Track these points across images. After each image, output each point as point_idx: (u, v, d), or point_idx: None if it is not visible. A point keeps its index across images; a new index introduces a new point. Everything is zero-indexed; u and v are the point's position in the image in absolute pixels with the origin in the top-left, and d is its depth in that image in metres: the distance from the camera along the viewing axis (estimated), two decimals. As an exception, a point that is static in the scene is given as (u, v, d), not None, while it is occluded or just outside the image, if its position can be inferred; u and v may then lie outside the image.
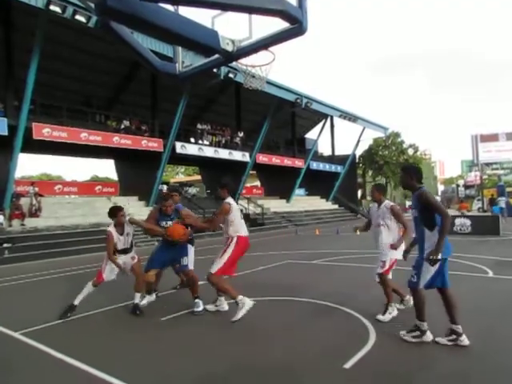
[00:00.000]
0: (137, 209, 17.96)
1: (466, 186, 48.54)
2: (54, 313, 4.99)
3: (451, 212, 27.91)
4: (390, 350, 3.57)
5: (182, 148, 19.39)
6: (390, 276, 4.63)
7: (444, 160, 77.07)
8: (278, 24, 4.13)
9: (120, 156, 20.27)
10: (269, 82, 21.12)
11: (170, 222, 5.04)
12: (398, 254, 4.42)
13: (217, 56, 4.19)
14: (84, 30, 13.84)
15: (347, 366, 3.24)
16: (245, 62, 4.64)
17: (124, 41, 3.87)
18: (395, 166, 39.25)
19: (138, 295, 5.04)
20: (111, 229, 5.08)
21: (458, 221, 14.32)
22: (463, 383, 2.94)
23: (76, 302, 4.91)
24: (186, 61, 4.54)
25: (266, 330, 4.29)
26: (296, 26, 3.61)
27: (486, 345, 3.57)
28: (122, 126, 17.89)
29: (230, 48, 3.94)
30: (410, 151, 40.36)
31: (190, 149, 20.11)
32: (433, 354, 3.42)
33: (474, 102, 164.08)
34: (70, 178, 59.55)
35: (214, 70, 16.82)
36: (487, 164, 33.66)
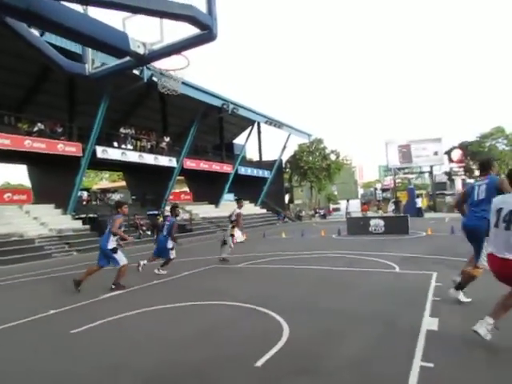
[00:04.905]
0: (53, 217, 16.69)
1: (383, 190, 52.73)
2: None
3: (370, 214, 30.13)
4: (302, 347, 3.72)
5: (103, 153, 18.46)
6: None
7: (363, 165, 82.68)
8: (192, 30, 4.18)
9: (33, 161, 18.67)
10: (195, 87, 21.08)
11: None
12: None
13: (129, 58, 4.09)
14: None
15: (259, 364, 3.33)
16: (159, 66, 4.59)
17: (22, 38, 3.61)
18: (319, 171, 41.28)
19: None
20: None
21: (372, 222, 15.48)
22: (360, 370, 3.18)
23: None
24: (96, 62, 4.36)
25: (182, 335, 4.24)
26: (206, 33, 3.67)
27: (388, 329, 3.92)
28: (36, 129, 16.53)
29: (141, 51, 3.88)
30: (333, 157, 42.70)
31: (113, 153, 19.23)
32: (341, 348, 3.66)
33: (392, 107, 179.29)
34: (-26, 185, 53.19)
35: (137, 73, 16.34)
36: (399, 169, 36.85)
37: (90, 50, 4.27)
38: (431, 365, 3.11)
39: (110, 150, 19.03)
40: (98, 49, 4.08)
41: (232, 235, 9.58)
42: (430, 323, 4.11)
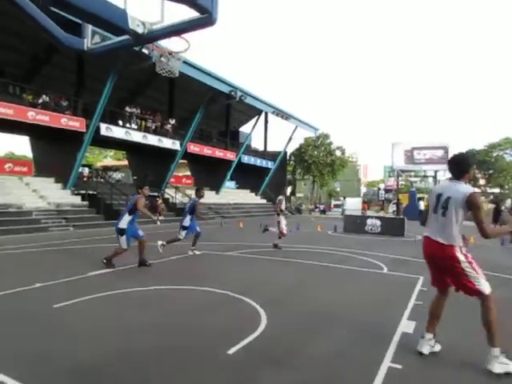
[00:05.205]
0: (53, 191, 16.77)
1: (386, 190, 52.54)
2: None
3: (369, 213, 30.08)
4: (277, 338, 3.73)
5: (107, 130, 18.43)
6: None
7: (368, 163, 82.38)
8: (192, 13, 4.13)
9: (36, 133, 18.67)
10: (204, 71, 20.93)
11: None
12: None
13: (127, 36, 4.05)
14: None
15: (231, 352, 3.36)
16: (159, 48, 4.54)
17: (19, 8, 3.57)
18: (323, 166, 41.16)
19: None
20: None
21: (369, 221, 15.46)
22: (330, 366, 3.21)
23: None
24: (96, 37, 4.32)
25: (156, 320, 4.26)
26: (206, 16, 3.62)
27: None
28: (40, 101, 16.49)
29: (140, 30, 3.84)
30: (338, 153, 42.52)
31: (117, 132, 19.20)
32: (314, 343, 3.68)
33: (403, 109, 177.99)
34: (-21, 152, 53.38)
35: (146, 52, 16.21)
36: (403, 171, 36.68)
37: (89, 26, 4.24)
38: (399, 366, 3.14)
39: (114, 128, 19.00)
40: (94, 24, 4.04)
41: (278, 222, 10.07)
42: (406, 326, 4.13)
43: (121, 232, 6.86)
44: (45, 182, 17.44)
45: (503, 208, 24.13)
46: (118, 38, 4.20)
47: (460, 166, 3.15)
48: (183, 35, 4.14)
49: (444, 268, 3.15)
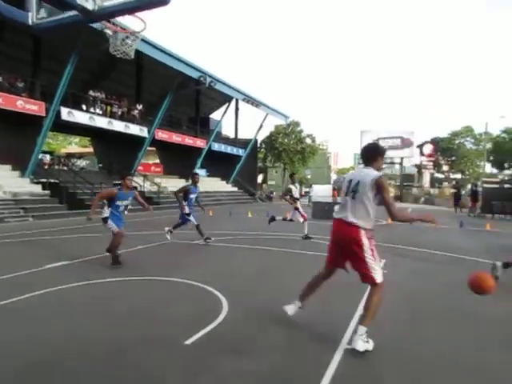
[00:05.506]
0: (9, 180, 15.90)
1: (356, 177, 53.70)
2: None
3: (340, 199, 30.49)
4: (237, 327, 3.65)
5: (69, 115, 17.63)
6: None
7: (339, 151, 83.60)
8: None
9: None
10: (172, 56, 20.34)
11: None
12: None
13: (76, 12, 3.77)
14: None
15: (188, 342, 3.26)
16: (112, 27, 4.27)
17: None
18: (293, 154, 41.38)
19: None
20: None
21: (336, 207, 15.65)
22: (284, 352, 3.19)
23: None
24: (42, 11, 4.00)
25: (118, 311, 4.11)
26: (160, -7, 3.41)
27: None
28: (-8, 82, 15.50)
29: (89, 6, 3.57)
30: (308, 141, 42.80)
31: (79, 117, 18.41)
32: (273, 332, 3.65)
33: (372, 97, 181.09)
34: None
35: (110, 33, 15.50)
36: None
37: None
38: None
39: (76, 112, 18.19)
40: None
41: (296, 209, 9.42)
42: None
43: (104, 220, 6.71)
44: (0, 169, 16.49)
45: (463, 193, 25.45)
46: (66, 13, 3.90)
47: (370, 152, 3.33)
48: (138, 14, 3.89)
49: (347, 252, 3.25)
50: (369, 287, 3.29)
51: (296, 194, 9.57)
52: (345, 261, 3.37)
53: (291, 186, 9.57)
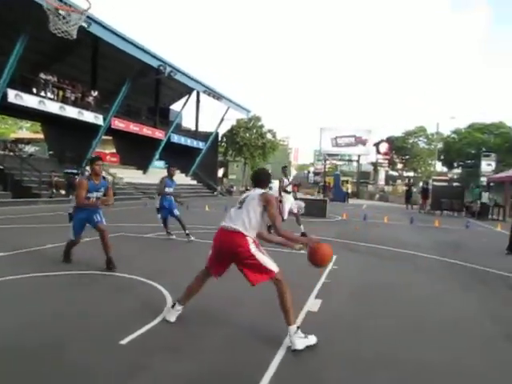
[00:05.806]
0: None
1: (315, 173, 54.76)
2: None
3: (299, 195, 30.99)
4: (180, 323, 3.53)
5: (16, 98, 16.55)
6: None
7: (299, 147, 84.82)
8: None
9: None
10: (130, 42, 19.59)
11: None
12: None
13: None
14: None
15: (124, 342, 3.11)
16: (55, 4, 3.96)
17: None
18: (254, 149, 41.43)
19: None
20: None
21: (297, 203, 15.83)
22: (232, 347, 3.13)
23: None
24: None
25: (54, 307, 3.87)
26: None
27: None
28: None
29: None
30: (269, 136, 43.00)
31: (29, 100, 17.33)
32: (215, 328, 3.58)
33: (332, 95, 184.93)
34: None
35: (62, 14, 14.63)
36: (330, 155, 38.29)
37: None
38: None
39: (25, 95, 17.09)
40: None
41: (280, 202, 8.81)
42: (312, 304, 4.21)
43: (69, 217, 6.11)
44: None
45: (414, 190, 26.83)
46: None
47: (260, 177, 3.55)
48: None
49: (231, 257, 3.32)
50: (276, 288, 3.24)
51: (288, 187, 9.45)
52: (225, 265, 3.47)
53: (284, 179, 9.47)
